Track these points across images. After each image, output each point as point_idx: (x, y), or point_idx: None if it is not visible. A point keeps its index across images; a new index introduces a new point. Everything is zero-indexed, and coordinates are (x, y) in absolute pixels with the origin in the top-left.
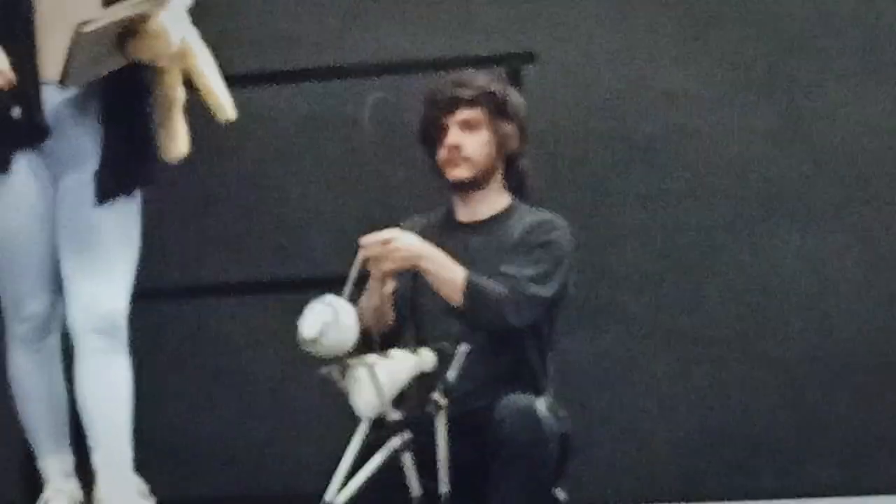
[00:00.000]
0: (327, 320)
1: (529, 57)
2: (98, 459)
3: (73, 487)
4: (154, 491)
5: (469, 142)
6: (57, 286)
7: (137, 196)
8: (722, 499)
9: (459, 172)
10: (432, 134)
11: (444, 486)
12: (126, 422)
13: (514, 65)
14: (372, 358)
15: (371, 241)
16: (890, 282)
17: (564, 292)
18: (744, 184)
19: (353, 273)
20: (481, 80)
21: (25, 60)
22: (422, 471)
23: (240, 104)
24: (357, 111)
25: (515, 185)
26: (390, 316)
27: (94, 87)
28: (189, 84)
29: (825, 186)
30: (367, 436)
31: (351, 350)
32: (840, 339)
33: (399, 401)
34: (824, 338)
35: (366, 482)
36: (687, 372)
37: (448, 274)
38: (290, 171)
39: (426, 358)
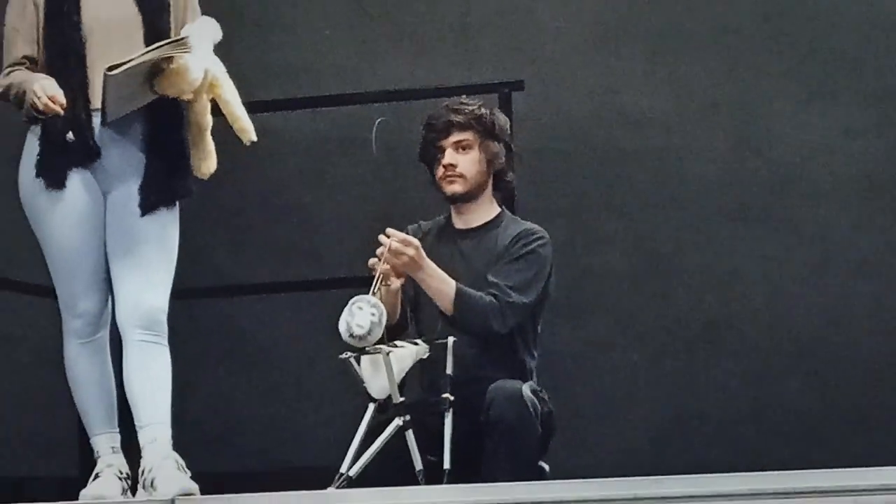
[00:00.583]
0: (374, 320)
1: (518, 85)
2: (142, 437)
3: (120, 462)
4: (189, 465)
5: (462, 161)
6: (107, 287)
7: (175, 208)
8: (689, 472)
9: (454, 188)
10: (431, 154)
11: (447, 463)
12: (166, 405)
13: (504, 92)
14: (385, 348)
15: (395, 234)
16: (836, 280)
17: (545, 296)
18: (707, 195)
19: (380, 267)
20: (473, 105)
21: (78, 91)
22: (423, 447)
23: (265, 127)
24: (367, 133)
25: (503, 196)
26: (398, 312)
27: (137, 115)
28: (216, 110)
29: (778, 196)
30: (374, 417)
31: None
32: (792, 331)
33: (401, 385)
34: (778, 330)
35: (374, 456)
36: (658, 360)
37: (441, 286)
38: (308, 185)
39: (423, 348)
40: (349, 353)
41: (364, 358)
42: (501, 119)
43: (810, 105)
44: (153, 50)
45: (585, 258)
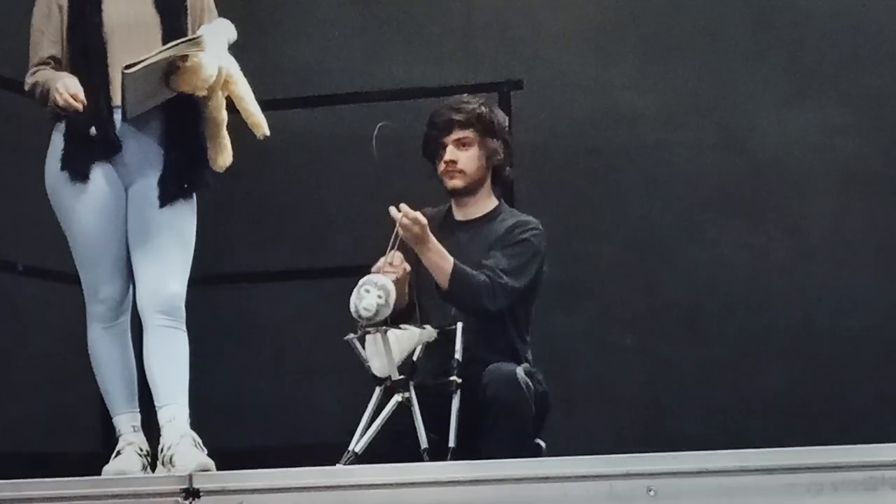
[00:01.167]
0: (381, 302)
1: (517, 84)
2: (161, 417)
3: (141, 440)
4: (206, 443)
5: (463, 157)
6: (128, 274)
7: (193, 199)
8: (676, 449)
9: (455, 182)
10: (433, 150)
11: (452, 441)
12: (184, 385)
13: (503, 91)
14: (385, 328)
15: (407, 212)
16: (816, 269)
17: (537, 283)
18: (694, 188)
19: (394, 239)
20: (473, 104)
21: (100, 89)
22: (428, 425)
23: (277, 123)
24: (373, 130)
25: (502, 190)
26: (405, 298)
27: (156, 111)
28: (231, 107)
29: (762, 190)
30: (380, 399)
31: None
32: (773, 319)
33: (413, 369)
34: (760, 317)
35: (380, 433)
36: (646, 345)
37: (440, 261)
38: (318, 178)
39: (429, 332)
40: (352, 335)
41: (367, 338)
42: (500, 117)
43: (793, 104)
44: (169, 48)
45: (580, 248)
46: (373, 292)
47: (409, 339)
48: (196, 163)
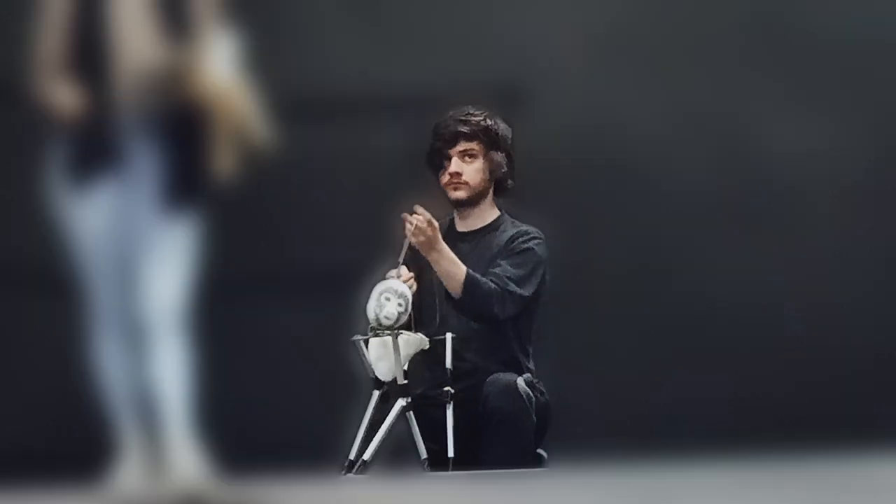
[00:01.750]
0: (401, 310)
1: (520, 95)
2: (164, 423)
3: (142, 447)
4: (207, 449)
5: (467, 169)
6: (132, 283)
7: (198, 207)
8: (677, 459)
9: (459, 194)
10: (437, 161)
11: (451, 452)
12: (183, 395)
13: (509, 101)
14: (398, 333)
15: (423, 214)
16: (812, 276)
17: (541, 291)
18: (696, 200)
19: (406, 242)
20: (479, 116)
21: (101, 92)
22: (424, 436)
23: (281, 129)
24: (377, 135)
25: (503, 201)
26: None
27: (160, 117)
28: (233, 114)
29: (760, 199)
30: (378, 407)
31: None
32: (775, 328)
33: (406, 374)
34: (757, 327)
35: (382, 442)
36: (648, 355)
37: (452, 268)
38: (323, 183)
39: (424, 339)
40: (359, 336)
41: (373, 340)
42: (505, 129)
43: (792, 116)
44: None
45: (581, 257)
46: (393, 300)
47: (414, 344)
48: (198, 173)
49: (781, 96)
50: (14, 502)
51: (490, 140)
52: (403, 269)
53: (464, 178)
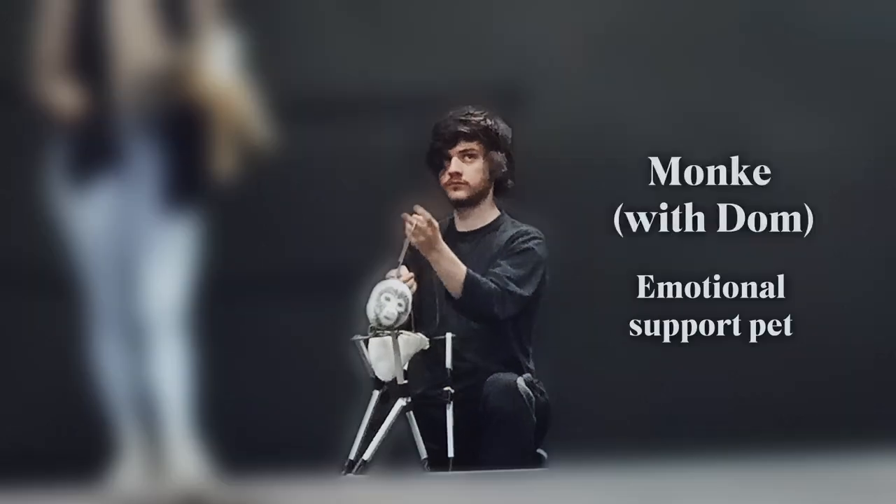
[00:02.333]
0: (401, 310)
1: (523, 94)
2: (164, 423)
3: (143, 448)
4: (207, 449)
5: (467, 169)
6: (132, 283)
7: (198, 207)
8: (677, 459)
9: (459, 194)
10: (437, 161)
11: (451, 451)
12: (183, 395)
13: (509, 101)
14: (399, 333)
15: (423, 214)
16: (815, 278)
17: (541, 291)
18: (694, 198)
19: (406, 242)
20: (479, 117)
21: (101, 92)
22: (425, 436)
23: (281, 129)
24: (377, 135)
25: (503, 201)
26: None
27: (159, 118)
28: (233, 115)
29: (760, 199)
30: (378, 407)
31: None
32: (775, 327)
33: (406, 375)
34: (762, 326)
35: (382, 442)
36: (648, 356)
37: (452, 268)
38: (322, 183)
39: (424, 339)
40: (359, 336)
41: (373, 340)
42: (505, 129)
43: (792, 116)
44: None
45: (581, 257)
46: (393, 300)
47: (414, 344)
48: (198, 173)
49: (781, 96)
50: (14, 502)
51: (490, 140)
52: (403, 269)
53: (464, 178)
